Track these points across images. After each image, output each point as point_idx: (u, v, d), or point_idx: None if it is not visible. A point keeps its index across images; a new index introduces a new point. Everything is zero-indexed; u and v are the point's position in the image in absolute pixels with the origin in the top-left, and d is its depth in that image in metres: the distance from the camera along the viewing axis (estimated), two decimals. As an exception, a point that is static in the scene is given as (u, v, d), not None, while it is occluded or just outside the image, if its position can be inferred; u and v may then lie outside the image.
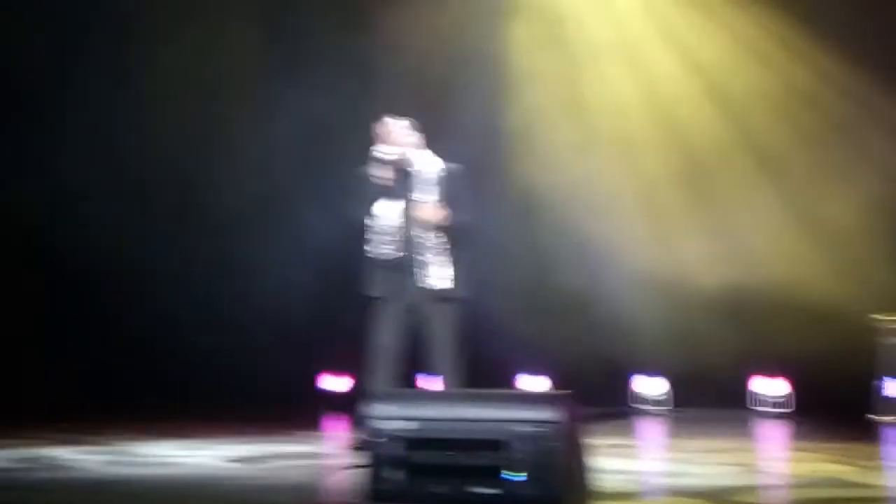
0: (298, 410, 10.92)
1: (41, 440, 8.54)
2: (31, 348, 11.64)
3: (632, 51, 12.29)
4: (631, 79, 12.25)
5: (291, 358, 11.86)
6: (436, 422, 5.28)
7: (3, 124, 11.93)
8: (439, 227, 7.77)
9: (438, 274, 7.79)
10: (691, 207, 12.00)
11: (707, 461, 7.77)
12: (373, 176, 7.91)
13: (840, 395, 10.54)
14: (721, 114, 12.02)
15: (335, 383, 12.55)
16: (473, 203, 8.00)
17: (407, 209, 7.90)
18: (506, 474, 5.20)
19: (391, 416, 5.30)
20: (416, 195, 7.92)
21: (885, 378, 10.46)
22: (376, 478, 5.25)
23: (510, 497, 5.18)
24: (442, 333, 7.81)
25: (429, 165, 7.99)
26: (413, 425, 5.27)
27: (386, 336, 7.88)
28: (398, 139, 7.97)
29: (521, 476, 5.18)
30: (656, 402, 11.82)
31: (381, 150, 7.92)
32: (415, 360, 7.96)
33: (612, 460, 7.11)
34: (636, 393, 11.88)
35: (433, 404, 5.41)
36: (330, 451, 8.59)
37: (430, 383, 8.05)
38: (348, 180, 8.01)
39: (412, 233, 7.83)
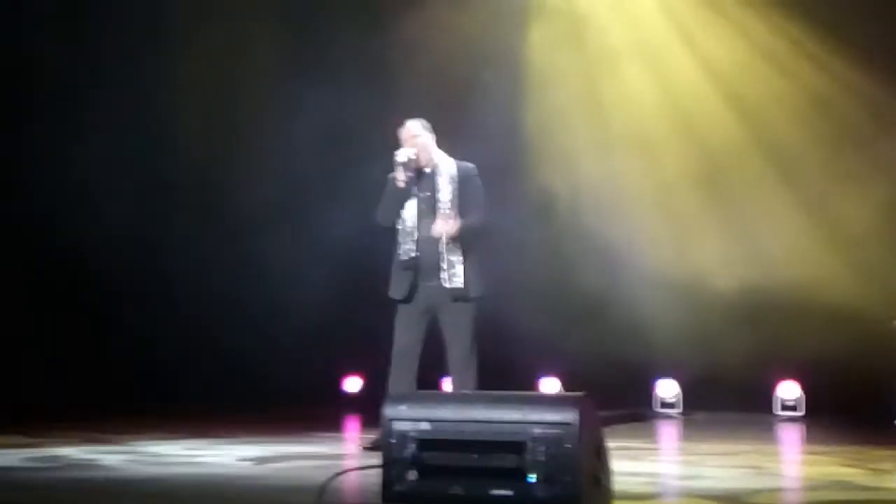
0: (320, 411, 10.95)
1: (62, 440, 8.59)
2: (52, 348, 11.69)
3: (651, 53, 12.29)
4: (650, 81, 12.25)
5: (313, 359, 11.89)
6: (449, 423, 5.28)
7: (24, 124, 11.99)
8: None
9: (452, 273, 7.81)
10: (709, 209, 11.99)
11: (723, 464, 7.77)
12: (390, 178, 7.96)
13: (858, 398, 10.54)
14: (739, 117, 12.01)
15: (355, 384, 12.59)
16: (487, 202, 8.02)
17: (421, 210, 7.93)
18: (521, 476, 5.20)
19: (404, 417, 5.31)
20: (430, 195, 7.96)
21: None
22: (389, 478, 5.27)
23: (525, 499, 5.16)
24: (456, 333, 7.84)
25: (442, 165, 8.02)
26: (425, 426, 5.28)
27: (404, 338, 7.92)
28: (414, 140, 8.01)
29: (536, 478, 5.17)
30: (673, 405, 11.80)
31: (397, 153, 7.96)
32: (438, 363, 8.00)
33: (628, 462, 7.13)
34: (655, 396, 11.87)
35: (446, 405, 5.41)
36: (348, 452, 8.62)
37: (451, 386, 8.09)
38: (380, 184, 8.06)
39: (427, 233, 7.86)
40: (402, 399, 5.46)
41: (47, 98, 12.16)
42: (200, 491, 6.43)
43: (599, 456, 5.42)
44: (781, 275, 11.68)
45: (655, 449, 9.45)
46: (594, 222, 12.07)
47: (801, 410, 11.30)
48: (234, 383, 11.74)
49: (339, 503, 5.76)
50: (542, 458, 5.15)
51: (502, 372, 8.57)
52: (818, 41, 11.71)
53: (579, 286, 12.00)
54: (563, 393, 10.54)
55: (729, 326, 11.57)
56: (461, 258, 7.84)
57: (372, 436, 7.98)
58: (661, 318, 11.77)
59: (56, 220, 11.86)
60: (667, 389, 11.84)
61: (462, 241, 7.84)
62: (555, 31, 12.44)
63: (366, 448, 7.87)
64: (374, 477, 5.31)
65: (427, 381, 8.01)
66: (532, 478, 5.16)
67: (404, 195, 7.93)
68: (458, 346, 7.85)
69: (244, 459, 7.67)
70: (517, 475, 5.17)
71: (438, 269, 7.82)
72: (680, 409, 11.72)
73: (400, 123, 8.13)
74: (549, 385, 12.04)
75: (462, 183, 7.96)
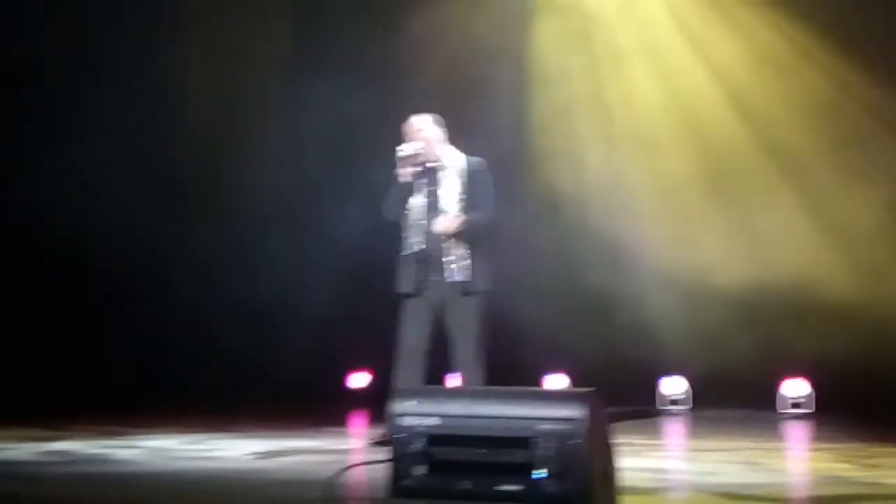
0: (327, 407, 10.97)
1: (72, 435, 8.63)
2: (63, 345, 11.71)
3: (657, 53, 12.31)
4: (656, 80, 12.27)
5: (321, 355, 11.90)
6: (458, 418, 5.29)
7: (30, 121, 12.00)
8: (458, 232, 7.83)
9: (459, 267, 7.83)
10: (715, 208, 12.01)
11: (729, 460, 7.80)
12: (395, 173, 7.99)
13: (867, 396, 10.56)
14: (743, 117, 12.03)
15: (362, 380, 12.60)
16: (494, 197, 8.04)
17: (428, 204, 7.95)
18: (530, 471, 5.20)
19: (413, 412, 5.32)
20: (437, 190, 7.98)
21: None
22: (397, 473, 5.28)
23: (533, 494, 5.16)
24: (464, 328, 7.85)
25: (451, 160, 8.04)
26: (434, 421, 5.29)
27: (411, 332, 7.93)
28: (419, 134, 8.03)
29: (545, 473, 5.18)
30: (679, 402, 11.82)
31: (400, 147, 7.98)
32: (444, 359, 8.01)
33: (635, 458, 7.16)
34: (661, 393, 11.88)
35: (456, 400, 5.41)
36: (355, 447, 8.65)
37: (457, 381, 8.10)
38: (387, 182, 8.08)
39: (433, 228, 7.88)
40: (411, 394, 5.46)
41: (47, 98, 12.15)
42: (209, 485, 6.46)
43: (608, 451, 5.43)
44: (787, 272, 11.69)
45: (663, 445, 9.48)
46: (600, 220, 12.09)
47: (810, 408, 11.31)
48: (243, 379, 11.77)
49: (346, 497, 5.78)
50: (551, 454, 5.14)
51: (509, 369, 8.59)
52: (823, 42, 11.72)
53: (586, 284, 12.02)
54: (572, 389, 10.54)
55: (735, 324, 11.58)
56: (468, 252, 7.85)
57: (379, 431, 8.01)
58: (668, 315, 11.79)
59: (63, 217, 11.86)
60: (675, 386, 11.85)
61: (467, 236, 7.85)
62: (562, 31, 12.47)
63: (373, 443, 7.90)
64: (382, 471, 5.34)
65: (432, 377, 8.01)
66: (541, 473, 5.15)
67: (408, 190, 7.96)
68: (466, 341, 7.85)
69: (252, 454, 7.70)
70: (526, 470, 5.16)
71: (445, 263, 7.84)
72: (689, 406, 11.73)
73: (405, 119, 8.16)
74: (557, 382, 12.05)
75: (471, 177, 7.97)
